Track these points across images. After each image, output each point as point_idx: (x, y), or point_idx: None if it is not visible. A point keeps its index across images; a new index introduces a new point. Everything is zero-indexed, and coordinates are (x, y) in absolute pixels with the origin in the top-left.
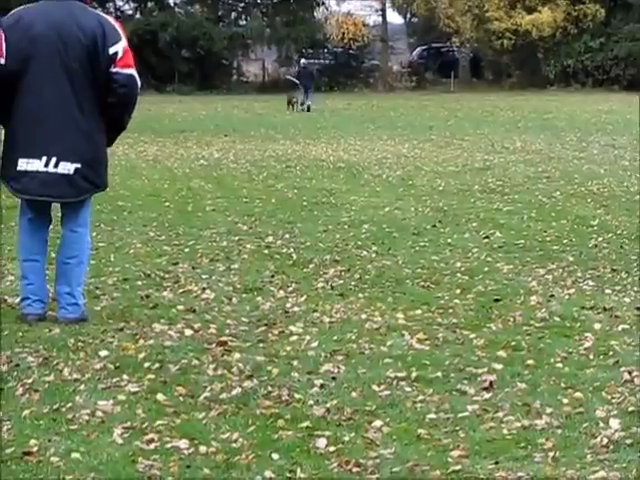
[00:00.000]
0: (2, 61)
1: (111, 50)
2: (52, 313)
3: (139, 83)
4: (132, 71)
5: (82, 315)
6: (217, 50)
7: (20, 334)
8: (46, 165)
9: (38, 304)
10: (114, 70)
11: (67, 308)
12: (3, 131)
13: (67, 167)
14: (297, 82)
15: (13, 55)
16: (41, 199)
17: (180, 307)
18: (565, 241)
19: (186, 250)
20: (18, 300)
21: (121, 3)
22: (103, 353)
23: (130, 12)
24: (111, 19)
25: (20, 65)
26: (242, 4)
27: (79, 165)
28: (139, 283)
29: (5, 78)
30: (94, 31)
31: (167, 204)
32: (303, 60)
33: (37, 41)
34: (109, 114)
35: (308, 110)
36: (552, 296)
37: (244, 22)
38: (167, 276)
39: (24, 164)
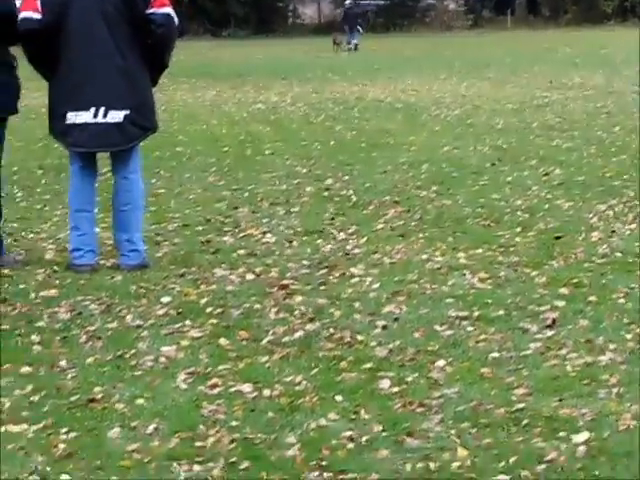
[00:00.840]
0: (39, 16)
1: None
2: (114, 260)
3: (177, 21)
4: (168, 10)
5: (143, 261)
6: None
7: (82, 282)
8: (95, 116)
9: (91, 254)
10: (150, 11)
11: (128, 255)
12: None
13: (116, 115)
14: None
15: (49, 8)
16: (94, 151)
17: (241, 251)
18: (625, 176)
19: (246, 194)
20: (70, 249)
21: None
22: (165, 299)
23: None
24: None
25: (57, 17)
26: None
27: (128, 111)
28: (199, 228)
29: (44, 32)
30: None
31: (226, 149)
32: (347, 1)
33: None
34: (150, 55)
35: (355, 49)
36: (613, 232)
37: None
38: (227, 221)
39: (73, 117)
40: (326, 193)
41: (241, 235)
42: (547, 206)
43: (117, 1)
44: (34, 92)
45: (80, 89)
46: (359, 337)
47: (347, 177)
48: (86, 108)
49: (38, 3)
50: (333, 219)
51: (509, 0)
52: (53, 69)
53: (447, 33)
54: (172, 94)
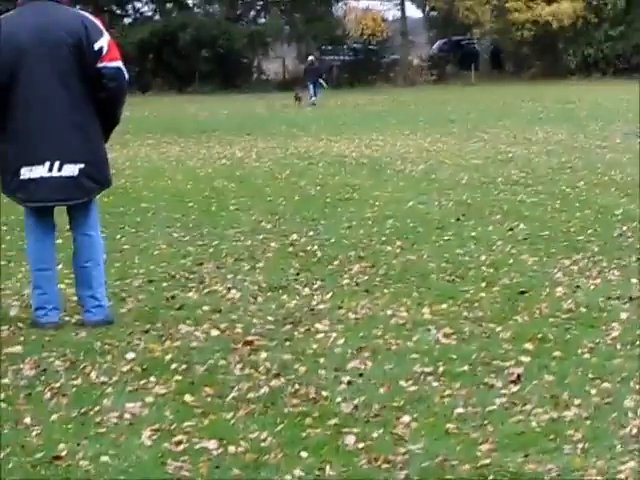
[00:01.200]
0: None
1: (96, 46)
2: (78, 317)
3: (127, 74)
4: (119, 63)
5: (107, 317)
6: (237, 49)
7: (47, 338)
8: (50, 169)
9: (54, 312)
10: (101, 65)
11: (91, 311)
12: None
13: (71, 169)
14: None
15: (0, 68)
16: (50, 204)
17: (206, 307)
18: (590, 231)
19: (211, 250)
20: (33, 308)
21: (140, 5)
22: (130, 355)
23: (149, 13)
24: (90, 15)
25: (9, 76)
26: (261, 2)
27: (82, 165)
28: (164, 284)
29: None
30: (77, 30)
31: (191, 204)
32: (310, 57)
33: (22, 49)
34: (102, 110)
35: (313, 104)
36: (578, 287)
37: (263, 20)
38: (192, 277)
39: (27, 172)
40: (291, 248)
41: (206, 291)
42: (511, 261)
43: (69, 56)
44: None
45: (34, 144)
46: (324, 393)
47: (312, 232)
48: (41, 162)
49: None
50: (298, 274)
51: (473, 55)
52: (3, 127)
53: (411, 88)
54: (137, 150)
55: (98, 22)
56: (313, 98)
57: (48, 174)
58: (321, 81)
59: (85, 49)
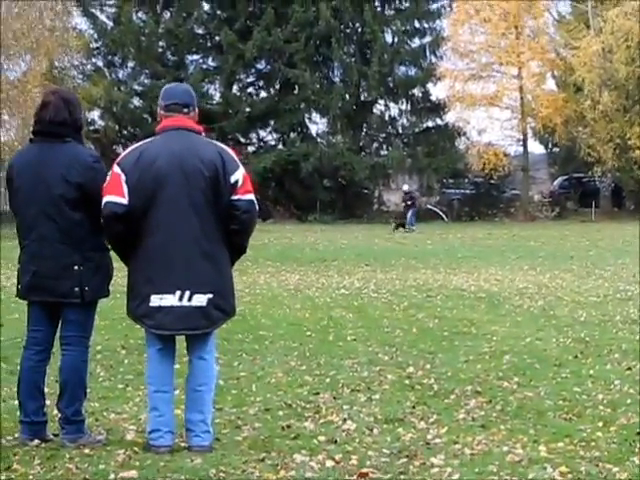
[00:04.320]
0: (124, 201)
1: (232, 179)
2: (179, 441)
3: (257, 207)
4: (252, 196)
5: (211, 444)
6: (358, 180)
7: (162, 464)
8: (180, 299)
9: (169, 435)
10: (236, 197)
11: (201, 436)
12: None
13: (201, 299)
14: (439, 212)
15: (137, 193)
16: (177, 333)
17: (321, 438)
18: None
19: (327, 380)
20: (148, 430)
21: (264, 134)
22: None
23: (273, 142)
24: (227, 148)
25: (145, 202)
26: (383, 134)
27: (211, 295)
28: (280, 413)
29: (129, 216)
30: (214, 162)
31: (308, 333)
32: (405, 186)
33: (160, 177)
34: (232, 240)
35: (412, 230)
36: None
37: (385, 152)
38: (308, 406)
39: (157, 300)
40: (407, 381)
41: (322, 421)
42: (629, 401)
43: (207, 189)
44: (119, 271)
45: (165, 272)
46: None
47: (429, 365)
48: (171, 291)
49: (124, 189)
50: (414, 407)
51: (594, 192)
52: (133, 251)
53: (531, 223)
54: (256, 277)
55: (234, 154)
56: (411, 226)
57: (178, 303)
58: (441, 214)
59: (221, 181)
